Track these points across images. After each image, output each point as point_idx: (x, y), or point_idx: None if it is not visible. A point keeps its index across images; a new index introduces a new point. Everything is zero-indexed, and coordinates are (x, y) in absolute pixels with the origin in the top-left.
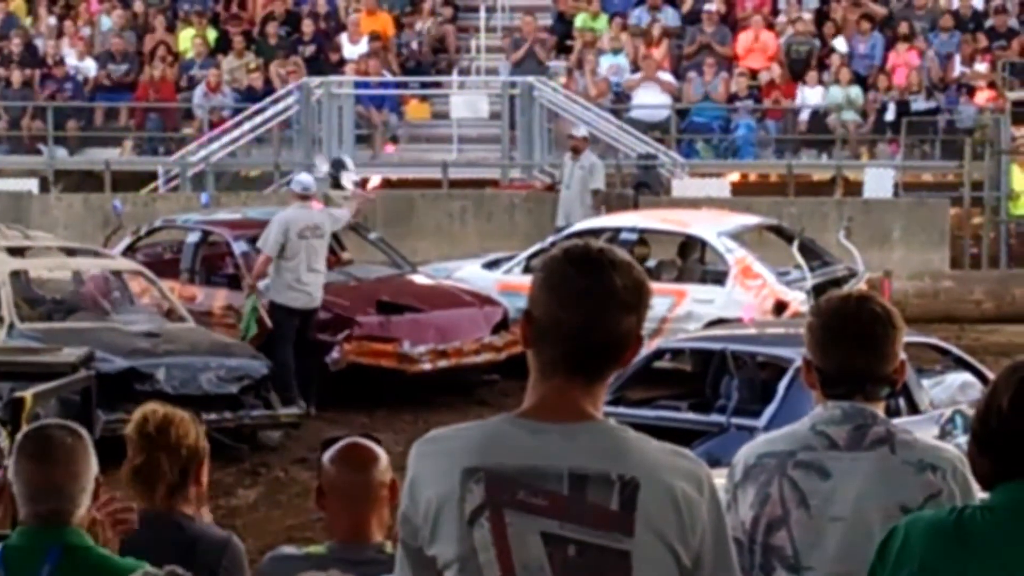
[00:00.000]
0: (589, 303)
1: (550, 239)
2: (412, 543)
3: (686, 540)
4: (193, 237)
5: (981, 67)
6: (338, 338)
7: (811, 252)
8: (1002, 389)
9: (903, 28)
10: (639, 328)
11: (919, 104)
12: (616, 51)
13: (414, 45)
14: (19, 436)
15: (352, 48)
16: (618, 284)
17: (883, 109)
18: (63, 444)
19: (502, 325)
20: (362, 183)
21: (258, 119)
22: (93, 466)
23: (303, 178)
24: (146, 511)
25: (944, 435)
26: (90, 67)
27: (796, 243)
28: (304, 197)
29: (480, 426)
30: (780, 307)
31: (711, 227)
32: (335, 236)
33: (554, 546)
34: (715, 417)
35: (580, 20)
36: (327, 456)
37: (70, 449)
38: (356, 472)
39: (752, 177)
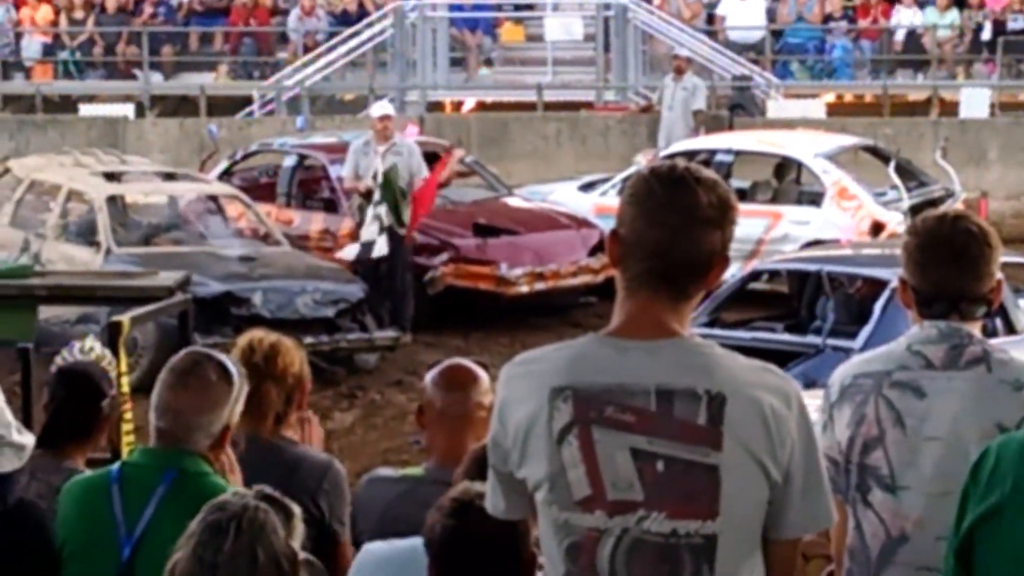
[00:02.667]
0: (673, 218)
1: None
2: (503, 468)
3: (775, 454)
4: (289, 161)
5: None
6: (435, 261)
7: (907, 173)
8: None
9: None
10: (725, 247)
11: (1016, 23)
12: None
13: None
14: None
15: None
16: (703, 200)
17: (979, 28)
18: (204, 376)
19: (598, 247)
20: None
21: (353, 43)
22: (226, 412)
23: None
24: (252, 438)
25: None
26: None
27: (892, 164)
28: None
29: (567, 346)
30: (877, 228)
31: (807, 148)
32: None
33: (643, 462)
34: (811, 338)
35: None
36: (429, 375)
37: (208, 383)
38: (454, 391)
39: (847, 98)
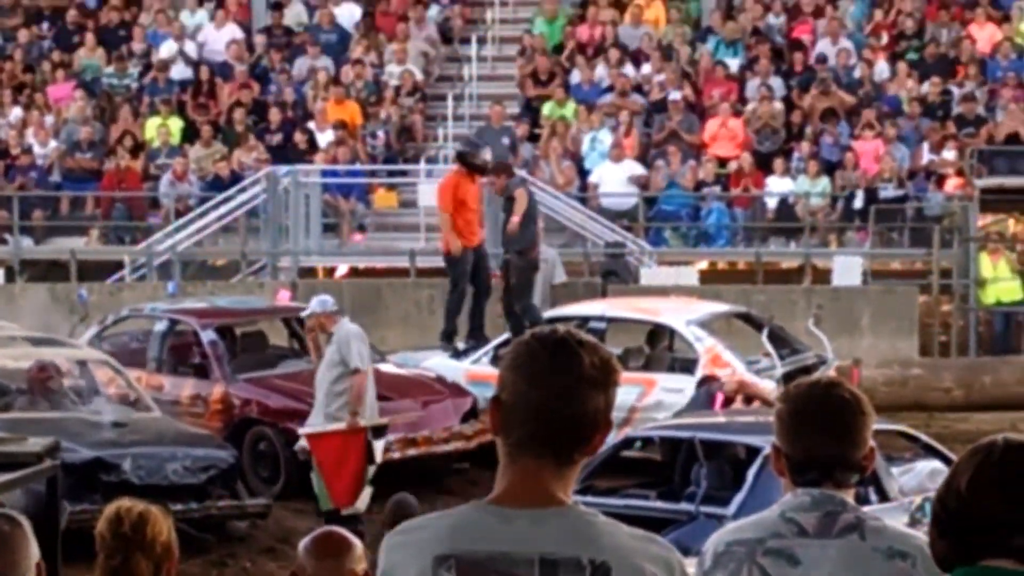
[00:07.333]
0: (556, 380)
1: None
2: None
3: None
4: (160, 326)
5: (949, 155)
6: (305, 427)
7: (781, 340)
8: (961, 471)
9: (869, 116)
10: (608, 410)
11: (887, 192)
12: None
13: (381, 134)
14: None
15: (320, 136)
16: (585, 362)
17: (851, 197)
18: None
19: (471, 414)
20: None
21: (224, 208)
22: (33, 553)
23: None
24: None
25: (914, 523)
26: (53, 150)
27: (766, 331)
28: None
29: (449, 514)
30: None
31: (680, 315)
32: (301, 324)
33: None
34: (684, 505)
35: (548, 108)
36: (302, 543)
37: (7, 537)
38: (327, 560)
39: (721, 265)
